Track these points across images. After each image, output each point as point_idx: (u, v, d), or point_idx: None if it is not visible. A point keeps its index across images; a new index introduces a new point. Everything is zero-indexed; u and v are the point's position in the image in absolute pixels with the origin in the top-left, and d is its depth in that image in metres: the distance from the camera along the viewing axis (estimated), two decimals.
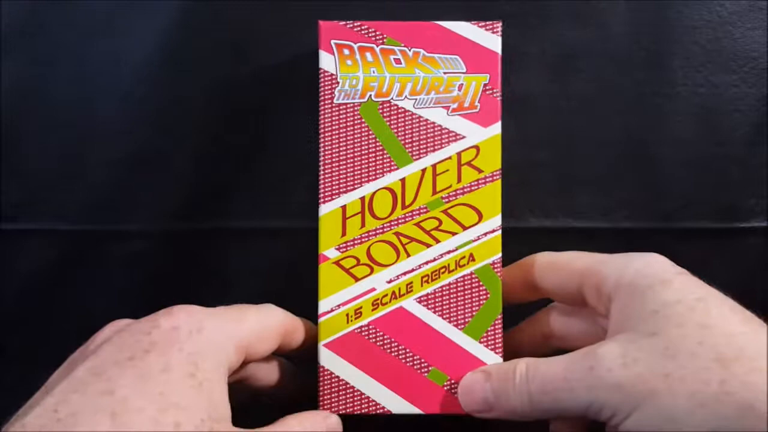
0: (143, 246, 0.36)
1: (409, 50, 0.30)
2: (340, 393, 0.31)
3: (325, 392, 0.31)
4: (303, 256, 0.33)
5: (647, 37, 0.35)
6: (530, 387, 0.25)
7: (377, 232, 0.31)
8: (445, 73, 0.30)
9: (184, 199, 0.36)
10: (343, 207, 0.30)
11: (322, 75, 0.30)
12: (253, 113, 0.36)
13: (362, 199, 0.30)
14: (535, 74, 0.35)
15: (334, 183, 0.30)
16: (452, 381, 0.31)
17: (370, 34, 0.30)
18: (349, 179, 0.30)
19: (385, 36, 0.30)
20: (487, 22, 0.30)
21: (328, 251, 0.30)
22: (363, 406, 0.31)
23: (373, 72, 0.30)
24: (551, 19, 0.34)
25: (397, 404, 0.31)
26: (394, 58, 0.30)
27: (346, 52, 0.30)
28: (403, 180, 0.30)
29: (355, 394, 0.31)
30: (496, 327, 0.31)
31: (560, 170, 0.36)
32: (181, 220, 0.36)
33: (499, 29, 0.30)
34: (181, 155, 0.35)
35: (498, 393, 0.27)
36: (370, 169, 0.30)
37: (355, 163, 0.30)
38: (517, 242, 0.31)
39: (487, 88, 0.30)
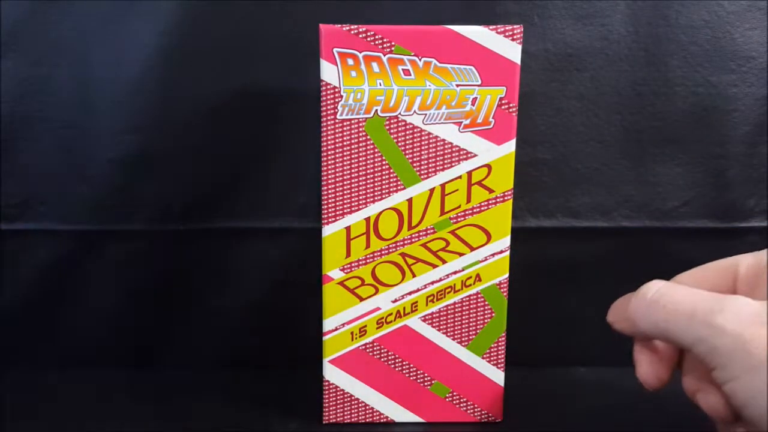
0: (143, 246, 0.32)
1: (420, 60, 0.24)
2: (345, 404, 0.28)
3: (330, 404, 0.28)
4: (303, 256, 0.30)
5: (647, 37, 0.31)
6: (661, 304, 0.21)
7: (382, 252, 0.26)
8: (458, 85, 0.25)
9: (184, 199, 0.32)
10: (348, 228, 0.26)
11: (324, 88, 0.24)
12: (254, 113, 0.32)
13: (367, 219, 0.26)
14: (536, 73, 0.31)
15: (337, 203, 0.25)
16: (454, 393, 0.27)
17: (376, 42, 0.24)
18: (353, 199, 0.25)
19: (393, 43, 0.24)
20: (507, 27, 0.24)
21: (332, 272, 0.26)
22: (366, 415, 0.28)
23: (380, 84, 0.24)
24: (551, 19, 0.31)
25: (399, 413, 0.28)
26: (403, 69, 0.24)
27: (350, 62, 0.24)
28: (410, 200, 0.25)
29: (359, 405, 0.28)
30: (500, 344, 0.27)
31: (560, 170, 0.32)
32: (181, 220, 0.32)
33: (520, 36, 0.24)
34: (181, 155, 0.31)
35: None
36: (376, 188, 0.25)
37: (360, 183, 0.25)
38: (517, 242, 0.27)
39: (503, 102, 0.25)
